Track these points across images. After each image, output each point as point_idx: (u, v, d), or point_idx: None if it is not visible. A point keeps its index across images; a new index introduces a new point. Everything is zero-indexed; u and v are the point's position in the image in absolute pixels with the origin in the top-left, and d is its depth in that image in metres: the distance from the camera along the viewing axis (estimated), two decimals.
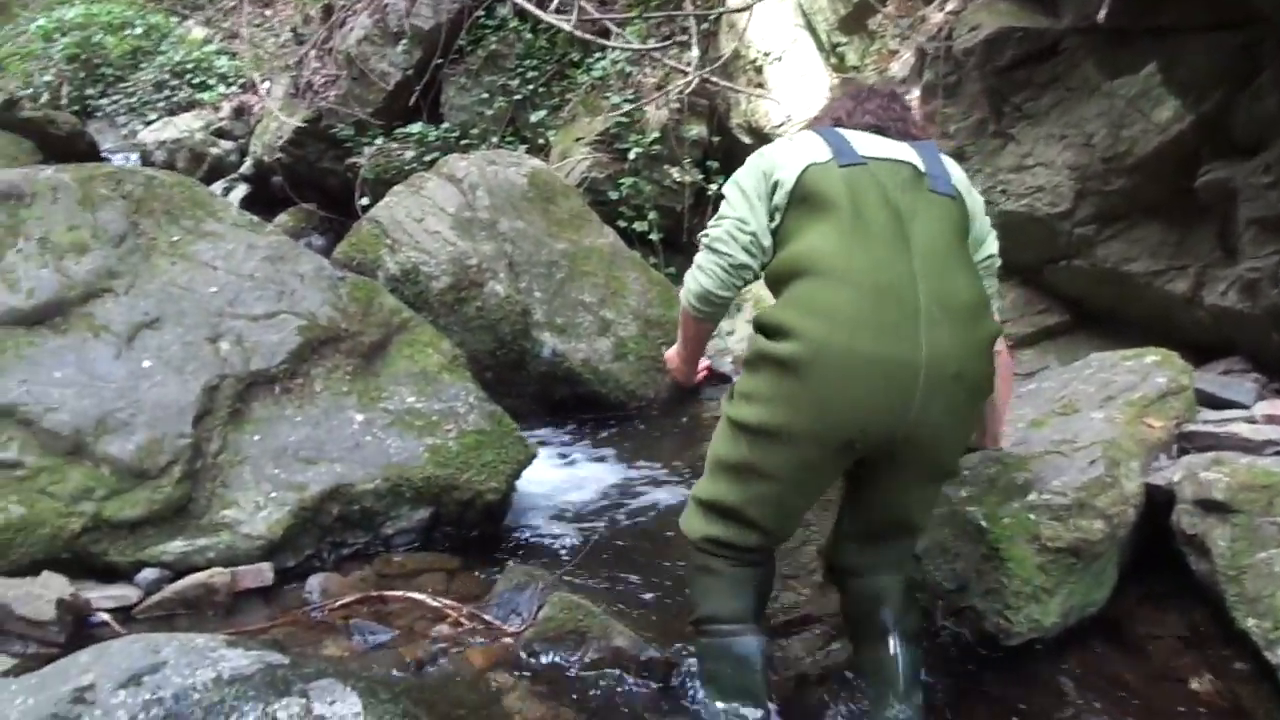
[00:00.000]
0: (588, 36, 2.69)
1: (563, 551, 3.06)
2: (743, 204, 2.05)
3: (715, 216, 2.11)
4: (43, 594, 2.41)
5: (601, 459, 4.01)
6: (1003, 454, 2.46)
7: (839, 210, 1.91)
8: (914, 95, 4.85)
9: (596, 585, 2.82)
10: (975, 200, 2.17)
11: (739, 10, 5.10)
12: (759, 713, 2.01)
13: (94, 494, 2.62)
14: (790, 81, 5.35)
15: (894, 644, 2.04)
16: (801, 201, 1.97)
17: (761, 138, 5.75)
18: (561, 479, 3.75)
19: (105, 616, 2.54)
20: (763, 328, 1.93)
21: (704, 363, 2.44)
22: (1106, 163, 3.98)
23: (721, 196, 2.16)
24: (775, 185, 2.02)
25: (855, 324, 1.82)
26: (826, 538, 2.27)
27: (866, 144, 2.05)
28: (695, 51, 4.64)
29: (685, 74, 5.54)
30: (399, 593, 2.71)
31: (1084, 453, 2.40)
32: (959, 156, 4.57)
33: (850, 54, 5.21)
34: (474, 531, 3.17)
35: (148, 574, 2.65)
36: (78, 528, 2.58)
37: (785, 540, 2.15)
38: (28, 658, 2.36)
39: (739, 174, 2.12)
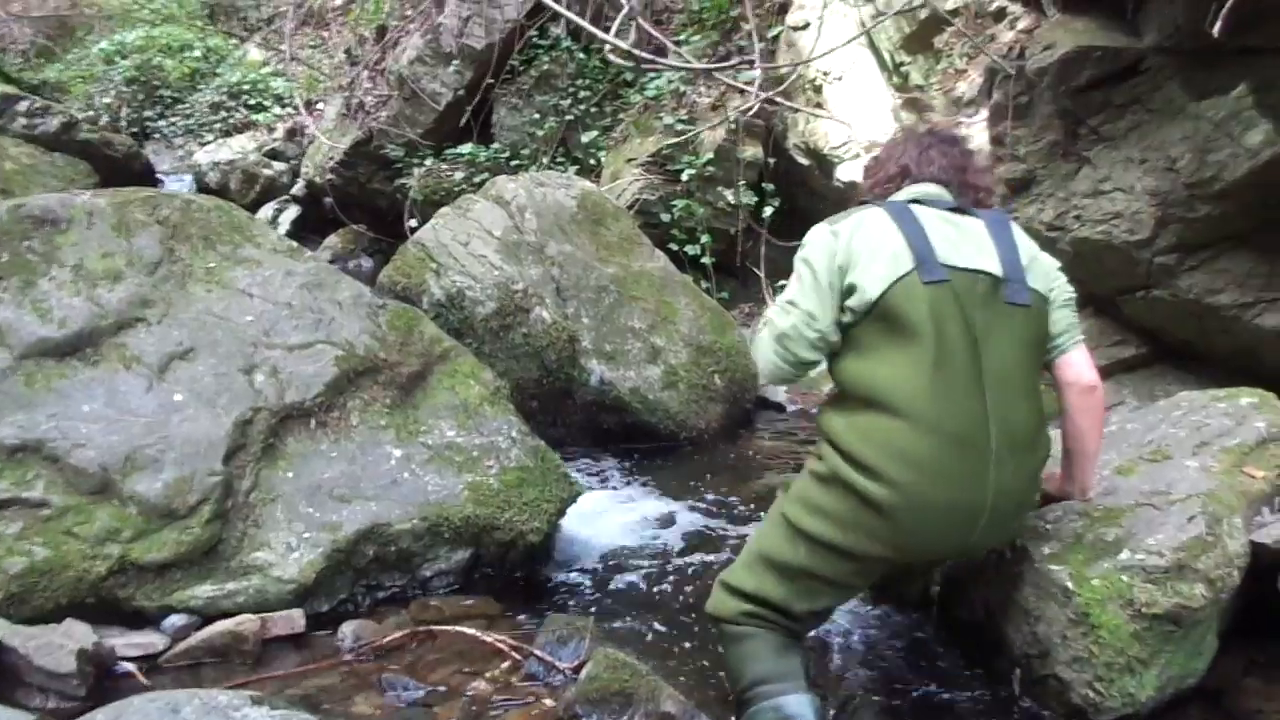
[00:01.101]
0: (646, 56, 2.56)
1: (608, 599, 2.89)
2: (813, 294, 2.04)
3: (784, 298, 2.10)
4: (64, 644, 2.29)
5: (650, 493, 3.83)
6: (1089, 506, 2.24)
7: (922, 341, 1.93)
8: (981, 115, 4.65)
9: (644, 636, 2.65)
10: (1043, 271, 2.11)
11: (798, 29, 4.92)
12: None
13: (120, 535, 2.50)
14: (851, 101, 5.16)
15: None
16: (882, 319, 1.97)
17: (820, 160, 5.57)
18: (608, 514, 3.58)
19: (130, 667, 2.41)
20: (844, 453, 1.96)
21: None
22: (1191, 188, 3.74)
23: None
24: (852, 288, 2.00)
25: (937, 476, 1.90)
26: None
27: (945, 241, 2.02)
28: (757, 71, 4.47)
29: (744, 92, 5.37)
30: (450, 628, 2.58)
31: (1180, 506, 2.17)
32: (1029, 181, 4.36)
33: (914, 73, 5.01)
34: (515, 574, 3.02)
35: (174, 620, 2.52)
36: (104, 571, 2.47)
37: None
38: (47, 713, 2.24)
39: (811, 252, 2.08)
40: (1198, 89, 3.68)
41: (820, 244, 2.07)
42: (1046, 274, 2.10)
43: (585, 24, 2.64)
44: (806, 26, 5.28)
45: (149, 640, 2.50)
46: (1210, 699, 2.20)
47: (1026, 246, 2.09)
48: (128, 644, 2.47)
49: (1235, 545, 2.12)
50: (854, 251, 2.01)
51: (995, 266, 2.01)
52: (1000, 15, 4.70)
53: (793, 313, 2.05)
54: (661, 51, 5.06)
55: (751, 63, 2.76)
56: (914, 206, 2.08)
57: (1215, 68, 3.62)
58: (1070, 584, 2.07)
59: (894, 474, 1.89)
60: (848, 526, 1.97)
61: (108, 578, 2.48)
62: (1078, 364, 2.14)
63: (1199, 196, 3.72)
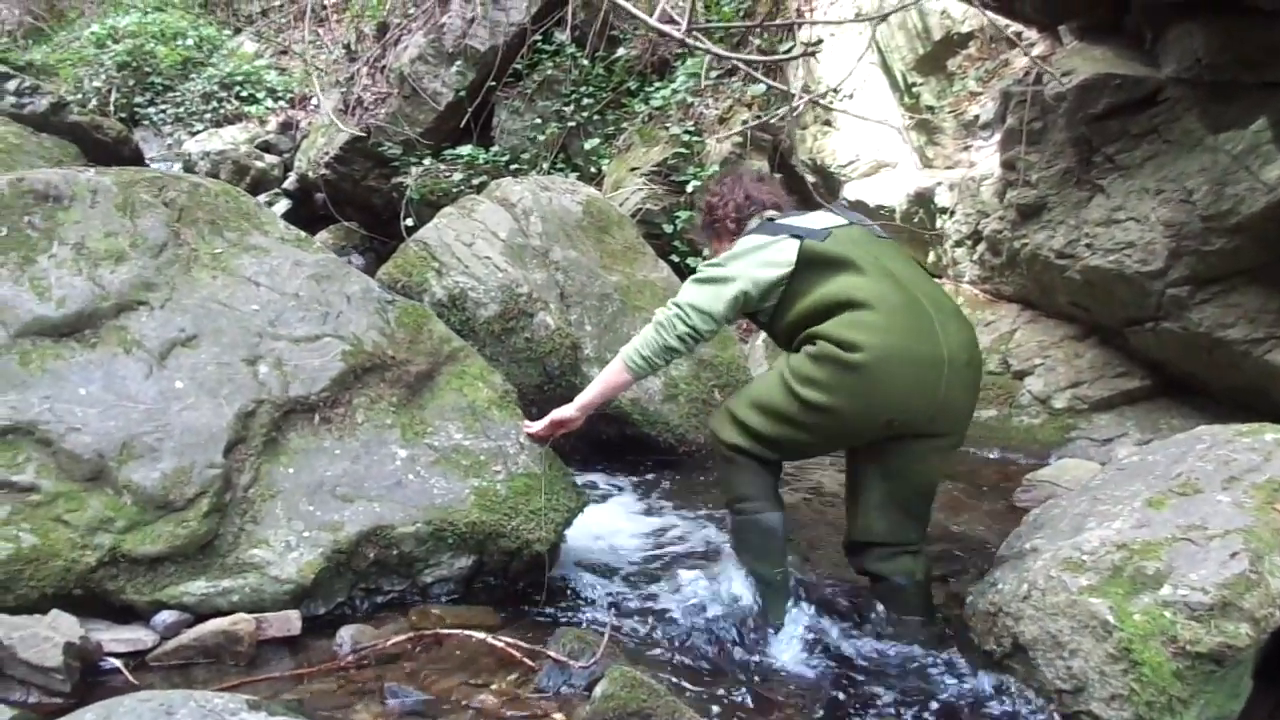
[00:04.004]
0: (701, 46, 2.53)
1: (615, 611, 2.80)
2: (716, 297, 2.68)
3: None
4: (50, 636, 2.18)
5: (651, 505, 3.76)
6: (1127, 537, 2.18)
7: (850, 264, 2.55)
8: (994, 139, 4.63)
9: (654, 653, 2.57)
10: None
11: (808, 51, 4.90)
12: (779, 571, 2.71)
13: (113, 525, 2.39)
14: (860, 119, 5.13)
15: (909, 586, 2.64)
16: (809, 266, 2.59)
17: (826, 176, 5.54)
18: (610, 525, 3.50)
19: (117, 663, 2.30)
20: (833, 339, 2.49)
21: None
22: (1206, 221, 3.73)
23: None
24: (765, 273, 2.64)
25: (902, 334, 2.45)
26: (847, 531, 2.74)
27: (808, 221, 2.73)
28: (800, 73, 4.42)
29: (776, 98, 5.31)
30: (459, 631, 2.50)
31: (1220, 542, 2.12)
32: (1040, 207, 4.34)
33: (926, 94, 4.99)
34: (519, 583, 2.92)
35: (165, 616, 2.41)
36: (93, 561, 2.36)
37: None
38: (29, 707, 2.12)
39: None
40: (1216, 121, 3.67)
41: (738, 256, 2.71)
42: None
43: (638, 13, 2.57)
44: (820, 43, 5.25)
45: (138, 636, 2.39)
46: None
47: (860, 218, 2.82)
48: (115, 639, 2.36)
49: (1277, 584, 2.07)
50: (768, 258, 2.65)
51: (854, 220, 2.76)
52: (1015, 41, 4.69)
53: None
54: (667, 63, 5.00)
55: (814, 53, 2.71)
56: (771, 220, 2.78)
57: (1234, 101, 3.62)
58: (1111, 618, 2.01)
59: (867, 341, 2.42)
60: (832, 389, 2.47)
61: (97, 569, 2.37)
62: None
63: (1214, 229, 3.70)
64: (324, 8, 11.31)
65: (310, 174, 8.04)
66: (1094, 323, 4.45)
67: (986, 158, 4.73)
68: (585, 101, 6.80)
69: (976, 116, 4.71)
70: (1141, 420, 4.33)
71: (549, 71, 6.97)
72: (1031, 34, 4.59)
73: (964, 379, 2.52)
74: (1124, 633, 1.98)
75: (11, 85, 8.15)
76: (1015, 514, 3.54)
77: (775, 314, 2.70)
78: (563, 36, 7.00)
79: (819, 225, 2.69)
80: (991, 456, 4.43)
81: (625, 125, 6.58)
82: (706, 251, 3.13)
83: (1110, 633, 2.00)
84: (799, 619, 2.72)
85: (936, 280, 2.81)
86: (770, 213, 2.90)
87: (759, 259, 2.66)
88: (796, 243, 2.63)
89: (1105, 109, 3.95)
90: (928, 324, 2.48)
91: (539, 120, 6.93)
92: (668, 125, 6.04)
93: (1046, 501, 2.75)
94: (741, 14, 6.07)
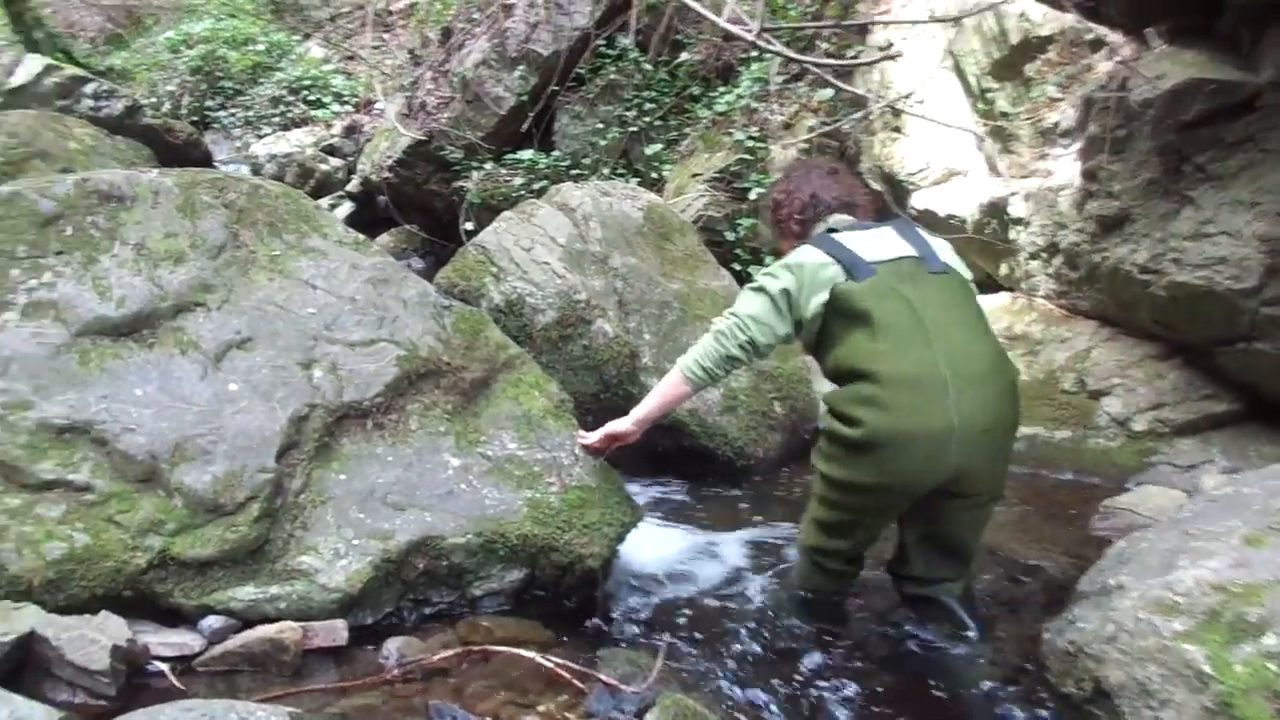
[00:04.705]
0: (772, 48, 2.44)
1: (668, 634, 2.69)
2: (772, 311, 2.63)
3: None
4: (98, 638, 2.15)
5: (708, 521, 3.64)
6: (1226, 579, 2.02)
7: (870, 320, 2.46)
8: (1074, 148, 4.44)
9: (708, 679, 2.46)
10: (958, 261, 2.71)
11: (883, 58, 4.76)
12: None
13: (164, 527, 2.36)
14: (931, 126, 4.97)
15: (954, 605, 2.62)
16: (838, 315, 2.52)
17: (895, 185, 5.39)
18: (665, 541, 3.40)
19: (163, 667, 2.27)
20: (835, 414, 2.51)
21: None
22: None
23: None
24: (809, 300, 2.56)
25: (899, 411, 2.38)
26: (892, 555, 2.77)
27: (865, 247, 2.58)
28: (868, 78, 4.29)
29: (814, 112, 5.20)
30: (507, 649, 2.42)
31: None
32: (1122, 219, 4.15)
33: (1001, 100, 4.81)
34: (570, 598, 2.84)
35: (212, 621, 2.38)
36: (143, 563, 2.33)
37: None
38: (74, 708, 2.10)
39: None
40: None
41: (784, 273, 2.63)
42: (954, 255, 2.69)
43: (708, 13, 2.49)
44: (890, 46, 5.11)
45: (184, 640, 2.36)
46: None
47: (930, 239, 2.67)
48: (162, 643, 2.33)
49: None
50: (805, 277, 2.58)
51: (911, 251, 2.59)
52: (1098, 44, 4.49)
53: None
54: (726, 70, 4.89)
55: (894, 57, 2.59)
56: (832, 234, 2.66)
57: None
58: (1208, 668, 1.86)
59: (864, 417, 2.40)
60: (848, 464, 2.48)
61: (147, 571, 2.35)
62: None
63: None
64: (390, 14, 11.43)
65: (373, 177, 8.09)
66: (1179, 341, 4.23)
67: (1064, 167, 4.53)
68: (648, 106, 6.73)
69: (1055, 124, 4.52)
70: (1228, 446, 4.09)
71: (611, 76, 6.91)
72: (1116, 37, 4.39)
73: (981, 446, 2.42)
74: (1223, 685, 1.83)
75: (89, 89, 8.37)
76: (1092, 543, 3.36)
77: (816, 352, 2.67)
78: (626, 41, 6.94)
79: (870, 255, 2.56)
80: (1064, 478, 4.23)
81: (688, 130, 6.49)
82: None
83: (1207, 684, 1.85)
84: (861, 646, 2.60)
85: (985, 322, 2.61)
86: (837, 218, 2.78)
87: (806, 280, 2.58)
88: (827, 292, 2.53)
89: (1197, 116, 3.74)
90: (933, 395, 2.38)
91: (600, 125, 6.88)
92: (731, 131, 5.94)
93: (1131, 534, 2.58)
94: (808, 18, 5.94)
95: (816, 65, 4.37)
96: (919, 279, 2.53)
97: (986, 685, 2.44)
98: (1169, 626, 1.95)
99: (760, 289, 2.63)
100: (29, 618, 2.16)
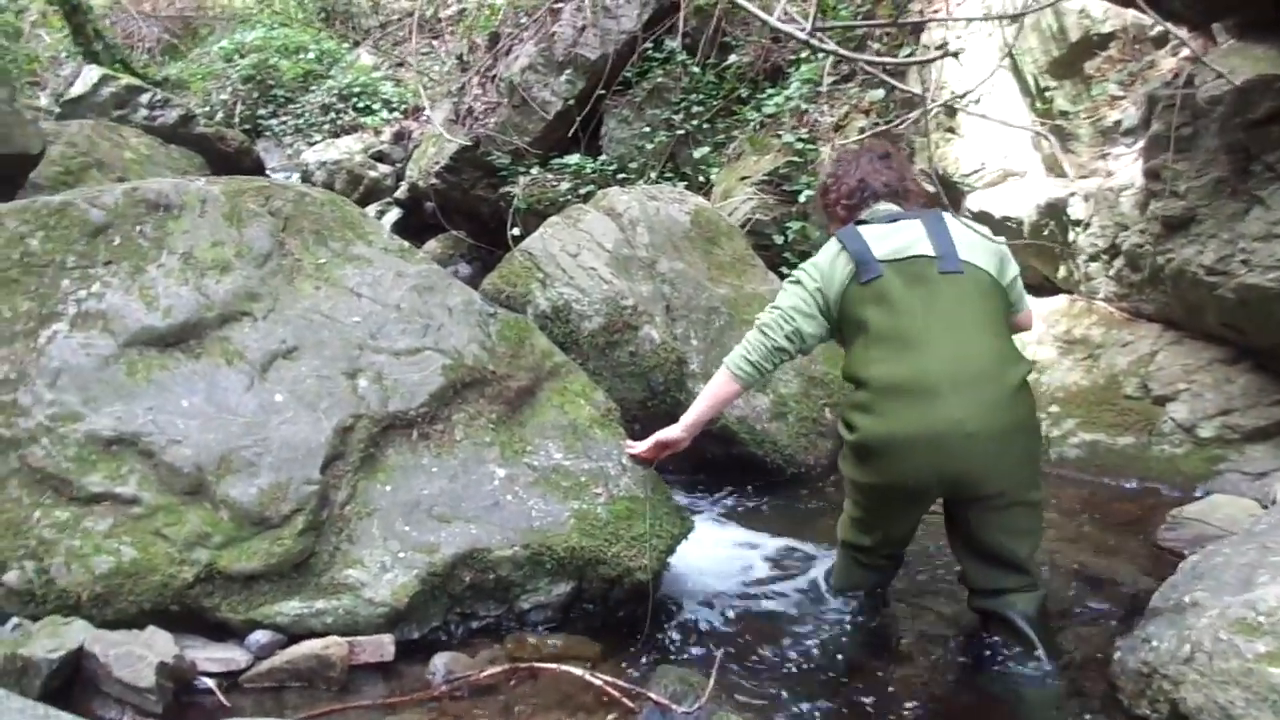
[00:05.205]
0: (825, 48, 2.36)
1: (720, 649, 2.62)
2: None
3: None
4: (145, 655, 2.14)
5: (760, 531, 3.55)
6: None
7: (867, 326, 2.53)
8: (1136, 147, 4.28)
9: (762, 699, 2.38)
10: (990, 256, 2.64)
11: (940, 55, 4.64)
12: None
13: (210, 540, 2.35)
14: (986, 127, 4.83)
15: (1020, 621, 2.53)
16: (845, 320, 2.61)
17: (948, 186, 5.26)
18: (716, 552, 3.32)
19: (210, 683, 2.25)
20: (840, 419, 2.65)
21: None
22: None
23: None
24: (828, 302, 2.64)
25: (886, 417, 2.46)
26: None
27: (882, 241, 2.58)
28: (933, 75, 4.18)
29: (865, 113, 5.10)
30: (555, 666, 2.38)
31: None
32: (1188, 219, 3.98)
33: (1060, 99, 4.67)
34: (619, 612, 2.78)
35: (259, 636, 2.36)
36: (190, 578, 2.32)
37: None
38: None
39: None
40: None
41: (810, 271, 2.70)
42: (986, 251, 2.63)
43: (759, 12, 2.42)
44: (945, 44, 4.98)
45: (231, 656, 2.35)
46: None
47: (960, 234, 2.61)
48: (209, 658, 2.32)
49: None
50: (822, 277, 2.65)
51: (929, 250, 2.56)
52: (1162, 41, 4.33)
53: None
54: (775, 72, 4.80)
55: (955, 54, 2.49)
56: (860, 227, 2.66)
57: None
58: None
59: (858, 423, 2.52)
60: (854, 465, 2.61)
61: (194, 585, 2.34)
62: (1023, 320, 2.86)
63: None
64: (438, 20, 11.50)
65: (421, 183, 8.11)
66: (1248, 345, 4.06)
67: (1126, 166, 4.37)
68: (695, 109, 6.66)
69: (1117, 122, 4.37)
70: None
71: (659, 79, 6.85)
72: (1180, 32, 4.23)
73: (977, 447, 2.41)
74: None
75: (144, 99, 8.53)
76: (1160, 555, 3.23)
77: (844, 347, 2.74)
78: (673, 44, 6.87)
79: (883, 253, 2.57)
80: (1128, 487, 4.08)
81: (736, 133, 6.40)
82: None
83: None
84: (923, 665, 2.51)
85: (996, 322, 2.59)
86: (883, 206, 2.76)
87: (825, 279, 2.64)
88: (841, 293, 2.59)
89: (1266, 114, 3.58)
90: (921, 400, 2.42)
91: (648, 129, 6.82)
92: (780, 133, 5.84)
93: (1206, 548, 2.45)
94: (859, 17, 5.83)
95: (871, 64, 4.26)
96: (927, 279, 2.53)
97: (1054, 707, 2.33)
98: (1252, 648, 1.84)
99: (797, 282, 2.69)
100: (78, 633, 2.16)
